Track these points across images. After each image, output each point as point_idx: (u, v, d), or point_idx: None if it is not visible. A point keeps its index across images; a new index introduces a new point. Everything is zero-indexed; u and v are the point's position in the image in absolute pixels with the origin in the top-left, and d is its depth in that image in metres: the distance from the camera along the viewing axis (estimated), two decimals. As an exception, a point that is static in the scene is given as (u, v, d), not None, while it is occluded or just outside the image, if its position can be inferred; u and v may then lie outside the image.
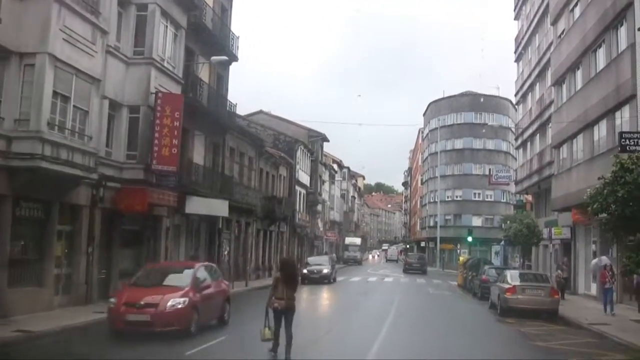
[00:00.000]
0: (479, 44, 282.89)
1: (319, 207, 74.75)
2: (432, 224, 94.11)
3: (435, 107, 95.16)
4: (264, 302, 14.47)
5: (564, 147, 35.94)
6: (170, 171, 27.36)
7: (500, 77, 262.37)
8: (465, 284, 40.44)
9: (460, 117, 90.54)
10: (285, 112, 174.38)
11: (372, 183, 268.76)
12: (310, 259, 49.27)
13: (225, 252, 40.33)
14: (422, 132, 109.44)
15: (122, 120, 26.27)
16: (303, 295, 30.58)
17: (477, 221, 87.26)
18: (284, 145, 61.11)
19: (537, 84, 44.87)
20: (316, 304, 30.62)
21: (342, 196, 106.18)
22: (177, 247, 32.86)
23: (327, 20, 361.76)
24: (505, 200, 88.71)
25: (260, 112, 69.63)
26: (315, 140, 70.36)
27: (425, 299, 33.11)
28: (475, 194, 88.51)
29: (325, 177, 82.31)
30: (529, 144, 47.89)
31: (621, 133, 21.63)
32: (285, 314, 13.88)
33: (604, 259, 25.41)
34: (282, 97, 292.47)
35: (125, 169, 26.04)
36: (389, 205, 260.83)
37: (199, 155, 34.87)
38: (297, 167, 61.44)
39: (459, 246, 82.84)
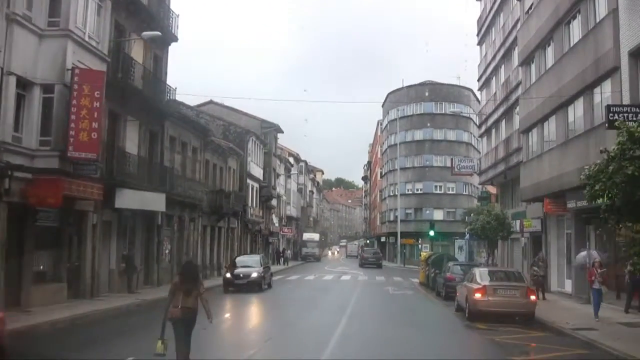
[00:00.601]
0: (439, 34, 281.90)
1: (274, 202, 71.23)
2: (392, 218, 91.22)
3: (394, 98, 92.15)
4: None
5: (534, 132, 32.99)
6: (89, 159, 23.74)
7: (461, 66, 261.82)
8: (428, 282, 37.37)
9: (420, 107, 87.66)
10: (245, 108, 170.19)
11: (332, 178, 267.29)
12: (239, 259, 37.91)
13: (167, 251, 36.71)
14: (381, 124, 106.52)
15: (33, 101, 22.59)
16: (218, 308, 23.35)
17: (438, 215, 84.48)
18: (235, 136, 57.62)
19: (502, 66, 41.96)
20: (233, 322, 23.05)
21: (300, 191, 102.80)
22: (107, 245, 29.20)
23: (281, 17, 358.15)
24: (467, 192, 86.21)
25: (211, 102, 65.80)
26: (268, 131, 66.83)
27: (384, 300, 29.68)
28: (436, 186, 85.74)
29: (280, 170, 78.81)
30: (493, 131, 45.01)
31: (609, 107, 18.50)
32: (183, 324, 11.41)
33: (594, 254, 22.08)
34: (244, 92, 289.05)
35: (37, 157, 22.41)
36: (350, 201, 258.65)
37: (132, 143, 31.28)
38: (249, 159, 57.90)
39: (420, 241, 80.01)
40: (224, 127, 58.30)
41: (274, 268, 61.75)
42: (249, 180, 58.44)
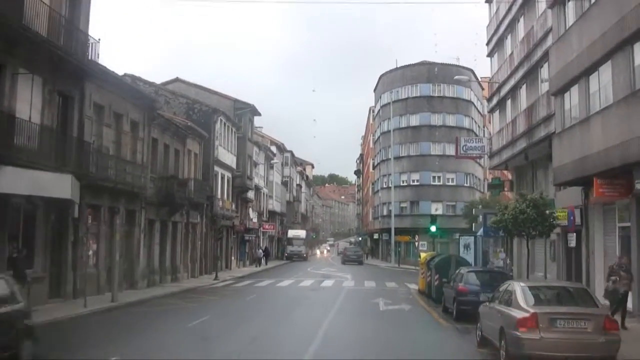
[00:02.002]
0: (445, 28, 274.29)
1: (251, 194, 62.55)
2: (385, 212, 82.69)
3: (387, 80, 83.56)
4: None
5: (573, 90, 24.40)
6: None
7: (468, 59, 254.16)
8: (430, 291, 28.90)
9: (416, 89, 79.06)
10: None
11: (325, 174, 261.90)
12: None
13: (90, 253, 28.08)
14: (373, 111, 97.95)
15: None
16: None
17: (437, 209, 75.92)
18: (199, 115, 49.17)
19: (522, 18, 33.40)
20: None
21: (285, 184, 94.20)
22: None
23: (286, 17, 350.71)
24: (469, 184, 77.89)
25: (177, 79, 57.47)
26: (242, 112, 58.19)
27: (372, 326, 20.50)
28: (434, 177, 77.16)
29: (260, 159, 70.12)
30: (509, 102, 36.46)
31: None
32: None
33: None
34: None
35: None
36: (343, 197, 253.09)
37: (28, 107, 22.76)
38: (216, 143, 49.28)
39: (417, 238, 71.56)
40: (187, 106, 49.82)
41: (248, 270, 53.53)
42: (217, 168, 49.86)
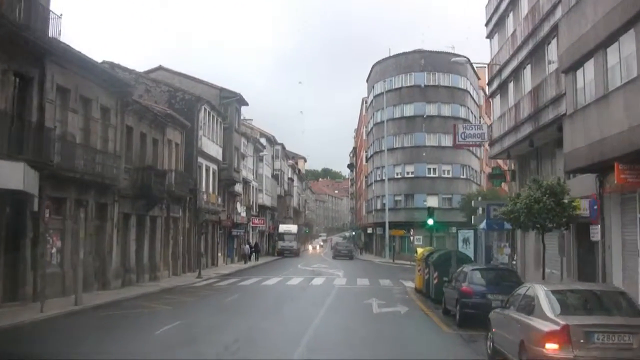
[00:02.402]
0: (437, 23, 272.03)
1: (238, 188, 59.88)
2: (379, 206, 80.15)
3: (380, 69, 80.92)
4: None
5: (587, 66, 21.79)
6: None
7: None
8: (428, 290, 26.41)
9: (410, 78, 76.43)
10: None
11: (319, 169, 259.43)
12: None
13: (53, 250, 25.52)
14: (366, 102, 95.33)
15: None
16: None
17: (433, 202, 72.90)
18: (182, 104, 46.54)
19: (526, -8, 30.80)
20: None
21: (275, 177, 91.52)
22: None
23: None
24: (465, 176, 75.43)
25: (160, 68, 54.74)
26: (229, 102, 55.46)
27: (363, 332, 18.04)
28: (429, 169, 74.59)
29: (248, 151, 67.47)
30: (511, 84, 33.84)
31: None
32: None
33: None
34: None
35: None
36: (337, 191, 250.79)
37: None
38: (200, 133, 46.61)
39: (412, 232, 69.04)
40: (169, 94, 47.15)
41: (235, 267, 50.81)
42: (201, 160, 47.23)
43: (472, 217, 38.58)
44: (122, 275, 31.59)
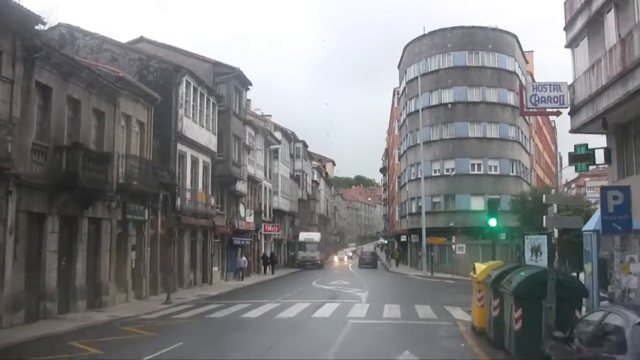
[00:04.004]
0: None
1: (241, 187, 48.99)
2: (414, 209, 68.72)
3: (414, 50, 69.54)
4: None
5: None
6: None
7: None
8: (498, 334, 15.33)
9: (448, 58, 64.97)
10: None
11: (352, 176, 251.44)
12: None
13: None
14: (398, 92, 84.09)
15: None
16: None
17: (477, 203, 61.85)
18: (156, 75, 36.28)
19: None
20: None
21: (296, 178, 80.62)
22: None
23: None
24: (515, 172, 63.86)
25: (142, 39, 44.37)
26: (225, 79, 44.79)
27: None
28: (473, 165, 62.99)
29: (258, 144, 56.69)
30: (609, 14, 22.50)
31: None
32: None
33: None
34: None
35: None
36: (369, 199, 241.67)
37: None
38: (181, 112, 36.00)
39: (453, 239, 57.47)
40: (140, 63, 36.85)
41: (233, 285, 38.85)
42: (183, 147, 36.70)
43: (544, 218, 26.91)
44: (26, 306, 20.85)
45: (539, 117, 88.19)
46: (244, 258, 44.21)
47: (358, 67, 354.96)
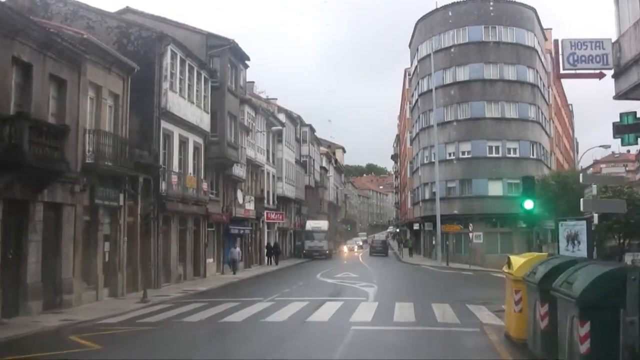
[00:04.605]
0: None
1: (239, 171, 44.91)
2: (427, 195, 64.56)
3: (426, 26, 65.17)
4: None
5: None
6: None
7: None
8: (544, 350, 11.23)
9: (463, 34, 60.61)
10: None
11: (364, 165, 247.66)
12: None
13: None
14: (409, 72, 79.72)
15: None
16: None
17: (495, 188, 57.76)
18: (137, 45, 32.47)
19: None
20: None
21: (302, 164, 76.50)
22: None
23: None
24: (535, 156, 59.48)
25: (127, 10, 40.20)
26: (219, 52, 40.70)
27: None
28: (491, 147, 58.67)
29: (260, 125, 52.59)
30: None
31: None
32: None
33: None
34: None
35: None
36: (381, 187, 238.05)
37: None
38: (165, 86, 31.98)
39: (470, 227, 53.17)
40: (119, 31, 32.81)
41: (229, 278, 34.68)
42: (168, 126, 32.75)
43: (582, 201, 22.86)
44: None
45: (557, 98, 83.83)
46: (237, 249, 40.10)
47: (370, 56, 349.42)
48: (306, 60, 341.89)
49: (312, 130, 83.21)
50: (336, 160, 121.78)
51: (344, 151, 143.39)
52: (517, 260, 14.76)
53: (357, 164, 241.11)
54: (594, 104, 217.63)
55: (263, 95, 68.88)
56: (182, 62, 34.45)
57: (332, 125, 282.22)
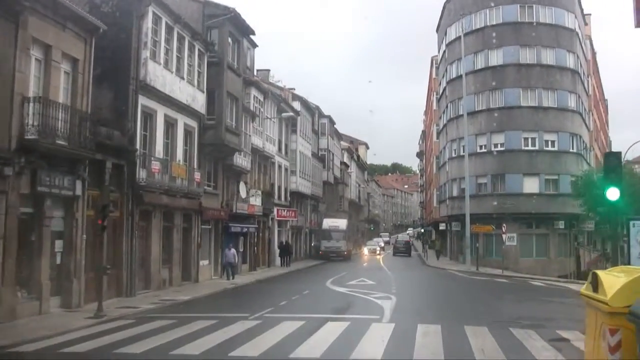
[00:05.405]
0: None
1: (242, 161, 39.57)
2: (455, 193, 58.91)
3: (455, 6, 59.50)
4: None
5: None
6: None
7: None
8: None
9: (496, 14, 54.94)
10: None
11: (388, 164, 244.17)
12: None
13: None
14: (436, 60, 74.06)
15: None
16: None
17: (531, 185, 52.12)
18: (113, 6, 27.47)
19: None
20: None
21: (321, 158, 71.08)
22: None
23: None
24: (575, 149, 53.61)
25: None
26: (218, 24, 35.43)
27: None
28: (526, 140, 52.96)
29: (269, 111, 47.29)
30: None
31: None
32: None
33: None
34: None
35: None
36: (406, 186, 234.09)
37: None
38: (145, 55, 26.77)
39: (503, 228, 47.33)
40: (92, -9, 27.37)
41: (225, 284, 29.29)
42: (149, 103, 27.60)
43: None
44: None
45: (596, 90, 77.73)
46: (232, 251, 34.61)
47: (398, 57, 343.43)
48: (335, 62, 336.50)
49: (332, 122, 77.76)
50: (358, 157, 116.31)
51: (367, 147, 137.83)
52: (612, 281, 9.17)
53: (383, 162, 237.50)
54: (627, 101, 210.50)
55: (280, 84, 63.64)
56: (170, 29, 29.24)
57: (359, 123, 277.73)
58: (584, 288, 10.31)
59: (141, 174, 26.36)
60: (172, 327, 17.33)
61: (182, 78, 30.62)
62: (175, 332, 16.53)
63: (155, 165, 27.36)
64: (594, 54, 75.40)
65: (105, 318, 19.26)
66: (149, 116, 27.82)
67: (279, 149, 51.65)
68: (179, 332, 16.48)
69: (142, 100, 26.87)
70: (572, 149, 53.39)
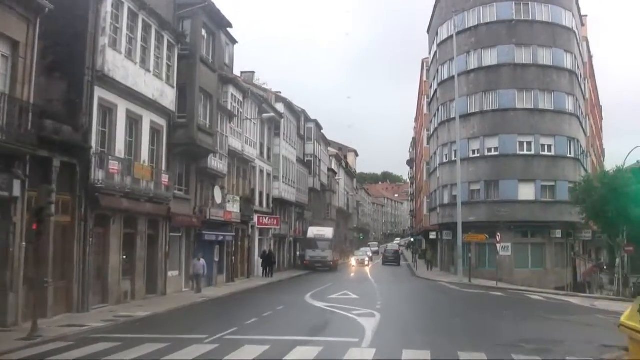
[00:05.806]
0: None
1: (218, 164, 36.69)
2: (446, 200, 56.22)
3: (447, 4, 56.95)
4: None
5: None
6: None
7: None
8: None
9: (490, 11, 52.40)
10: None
11: (379, 172, 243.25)
12: None
13: None
14: (427, 62, 71.54)
15: None
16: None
17: (527, 192, 49.51)
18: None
19: None
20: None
21: (306, 164, 68.29)
22: None
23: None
24: (573, 154, 51.09)
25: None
26: (190, 13, 32.65)
27: None
28: (522, 143, 50.34)
29: (248, 111, 44.42)
30: None
31: None
32: None
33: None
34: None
35: None
36: (396, 195, 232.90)
37: None
38: (103, 41, 23.97)
39: (498, 237, 44.60)
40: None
41: (195, 297, 26.16)
42: (108, 96, 24.74)
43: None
44: None
45: (592, 94, 75.43)
46: (201, 261, 31.78)
47: (389, 65, 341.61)
48: (327, 70, 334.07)
49: (319, 127, 75.01)
50: (347, 164, 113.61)
51: (357, 155, 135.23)
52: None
53: (373, 171, 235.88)
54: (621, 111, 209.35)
55: (265, 87, 60.87)
56: (134, 15, 26.44)
57: (349, 132, 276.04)
58: (625, 317, 7.64)
59: (97, 174, 23.50)
60: (113, 352, 14.60)
61: (148, 70, 27.81)
62: (114, 358, 13.76)
63: (114, 166, 24.49)
64: (590, 57, 73.12)
65: (40, 340, 16.46)
66: (108, 111, 25.00)
67: (261, 153, 48.83)
68: (119, 358, 13.71)
69: (99, 93, 24.04)
70: (570, 153, 50.90)
